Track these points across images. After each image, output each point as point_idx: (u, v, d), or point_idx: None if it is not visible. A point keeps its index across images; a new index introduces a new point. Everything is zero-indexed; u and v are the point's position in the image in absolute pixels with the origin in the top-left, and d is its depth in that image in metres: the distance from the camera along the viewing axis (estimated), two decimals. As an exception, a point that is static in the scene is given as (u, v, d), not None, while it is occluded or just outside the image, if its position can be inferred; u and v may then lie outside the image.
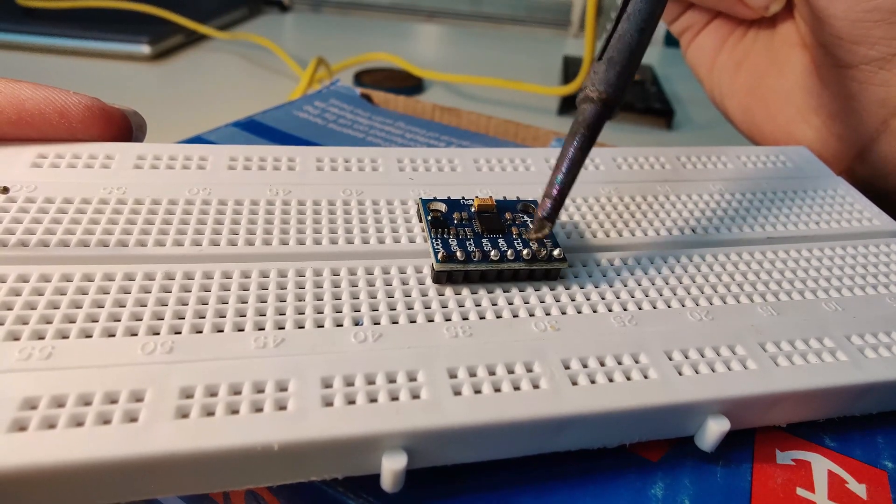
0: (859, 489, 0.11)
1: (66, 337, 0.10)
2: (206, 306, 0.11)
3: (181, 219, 0.13)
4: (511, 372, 0.11)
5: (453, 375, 0.10)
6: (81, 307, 0.11)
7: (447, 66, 0.43)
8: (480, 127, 0.25)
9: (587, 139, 0.12)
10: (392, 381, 0.10)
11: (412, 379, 0.10)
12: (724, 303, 0.13)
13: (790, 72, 0.20)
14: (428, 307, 0.12)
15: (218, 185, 0.14)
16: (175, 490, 0.09)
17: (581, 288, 0.13)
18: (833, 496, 0.11)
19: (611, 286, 0.13)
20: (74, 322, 0.10)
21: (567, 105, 0.40)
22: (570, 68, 0.45)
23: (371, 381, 0.10)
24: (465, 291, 0.12)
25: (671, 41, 0.59)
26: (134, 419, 0.09)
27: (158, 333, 0.10)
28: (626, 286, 0.13)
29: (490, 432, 0.10)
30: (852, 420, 0.12)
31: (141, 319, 0.11)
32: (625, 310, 0.12)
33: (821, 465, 0.11)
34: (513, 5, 0.64)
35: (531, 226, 0.13)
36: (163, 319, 0.11)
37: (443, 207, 0.13)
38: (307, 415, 0.09)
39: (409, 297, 0.12)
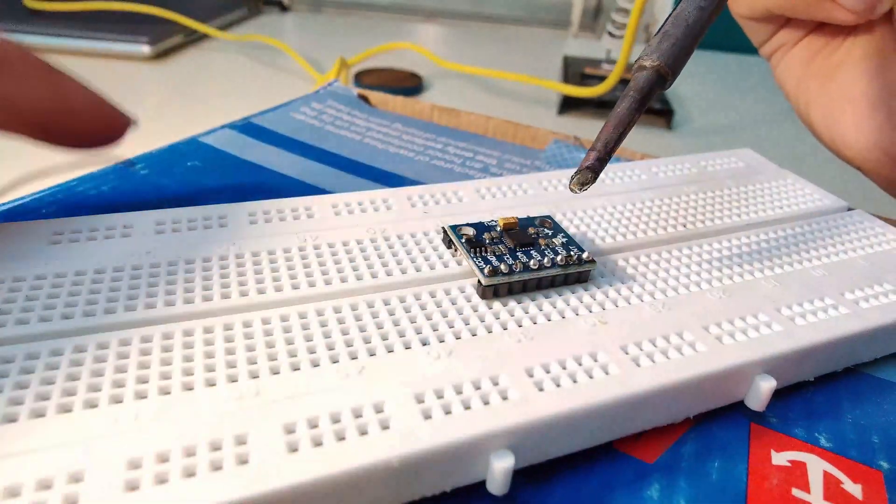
0: (855, 489, 0.11)
1: (144, 398, 0.10)
2: (274, 350, 0.11)
3: (220, 272, 0.13)
4: (580, 364, 0.11)
5: (531, 374, 0.11)
6: (149, 368, 0.10)
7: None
8: (479, 128, 0.25)
9: (637, 101, 0.12)
10: (478, 387, 0.11)
11: (495, 383, 0.11)
12: (733, 281, 0.14)
13: (884, 77, 0.20)
14: (483, 320, 0.12)
15: (245, 240, 0.14)
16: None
17: (610, 286, 0.14)
18: (828, 497, 0.11)
19: (635, 281, 0.14)
20: (147, 383, 0.10)
21: (567, 105, 0.39)
22: (570, 68, 0.45)
23: (459, 391, 0.10)
24: (512, 303, 0.13)
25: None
26: (245, 461, 0.09)
27: (237, 381, 0.10)
28: (647, 279, 0.14)
29: (581, 419, 0.10)
30: (849, 419, 0.13)
31: (214, 371, 0.11)
32: (654, 298, 0.14)
33: (816, 466, 0.12)
34: (513, 5, 0.63)
35: (574, 177, 0.12)
36: (235, 368, 0.11)
37: (471, 231, 0.14)
38: (413, 429, 0.10)
39: (463, 314, 0.12)
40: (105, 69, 0.39)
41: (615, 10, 0.40)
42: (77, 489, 0.08)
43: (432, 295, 0.13)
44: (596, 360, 0.11)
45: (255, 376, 0.11)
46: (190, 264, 0.13)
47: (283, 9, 0.61)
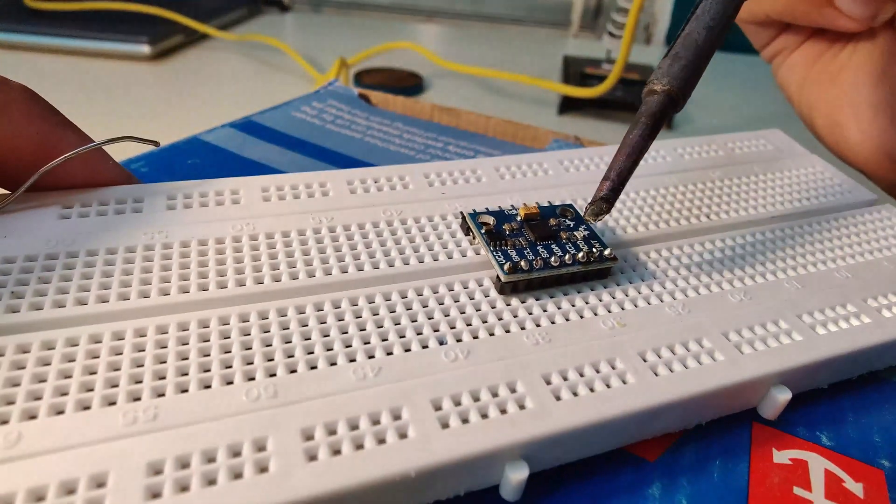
0: (856, 488, 0.11)
1: (162, 395, 0.10)
2: (291, 345, 0.11)
3: (234, 256, 0.13)
4: (598, 371, 0.11)
5: (548, 382, 0.11)
6: (166, 361, 0.10)
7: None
8: (479, 127, 0.25)
9: (649, 128, 0.12)
10: (495, 394, 0.11)
11: (513, 390, 0.11)
12: (755, 281, 0.14)
13: (887, 81, 0.20)
14: (501, 318, 0.12)
15: (259, 219, 0.14)
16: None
17: (630, 283, 0.14)
18: (830, 495, 0.11)
19: (655, 278, 0.14)
20: (165, 378, 0.10)
21: (567, 105, 0.39)
22: (571, 68, 0.45)
23: (476, 398, 0.10)
24: (530, 299, 0.13)
25: (671, 40, 0.61)
26: (264, 469, 0.09)
27: (254, 378, 0.10)
28: (667, 276, 0.14)
29: (597, 430, 0.10)
30: (849, 419, 0.13)
31: (231, 367, 0.10)
32: (674, 298, 0.13)
33: (818, 464, 0.12)
34: (513, 5, 0.63)
35: (588, 208, 0.12)
36: (253, 364, 0.11)
37: (491, 220, 0.14)
38: (431, 440, 0.10)
39: (480, 310, 0.12)
40: (105, 69, 0.39)
41: (615, 10, 0.39)
42: (101, 493, 0.08)
43: (450, 288, 0.13)
44: (614, 368, 0.11)
45: (271, 374, 0.10)
46: (203, 246, 0.13)
47: (283, 9, 0.60)
